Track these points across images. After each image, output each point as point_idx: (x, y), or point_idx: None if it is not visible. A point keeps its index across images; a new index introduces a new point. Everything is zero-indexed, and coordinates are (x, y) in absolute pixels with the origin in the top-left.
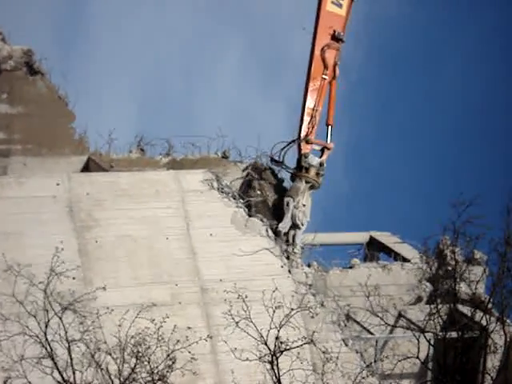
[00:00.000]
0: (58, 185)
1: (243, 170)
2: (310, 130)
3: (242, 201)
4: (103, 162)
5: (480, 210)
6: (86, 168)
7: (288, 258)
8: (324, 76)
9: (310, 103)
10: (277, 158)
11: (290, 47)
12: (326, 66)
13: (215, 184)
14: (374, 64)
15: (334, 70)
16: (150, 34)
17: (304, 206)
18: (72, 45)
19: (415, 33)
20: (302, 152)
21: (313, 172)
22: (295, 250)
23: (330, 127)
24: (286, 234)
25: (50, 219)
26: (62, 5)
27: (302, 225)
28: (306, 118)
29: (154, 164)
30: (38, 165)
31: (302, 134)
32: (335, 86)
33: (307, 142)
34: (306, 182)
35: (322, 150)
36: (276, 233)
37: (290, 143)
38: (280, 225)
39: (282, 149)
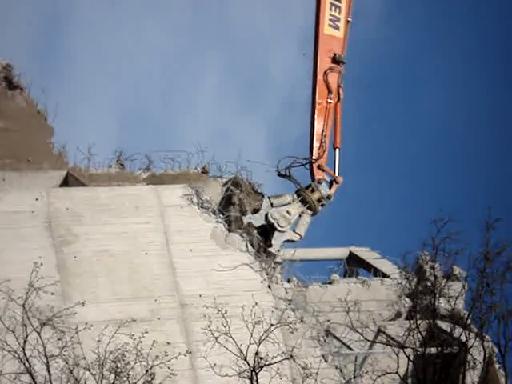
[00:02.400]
0: (36, 200)
1: (223, 186)
2: (321, 154)
3: (221, 216)
4: (82, 177)
5: (459, 225)
6: (65, 183)
7: (267, 273)
8: (329, 100)
9: (318, 128)
10: (283, 173)
11: (269, 68)
12: (330, 90)
13: (195, 199)
14: (353, 86)
15: (338, 93)
16: (130, 51)
17: (289, 213)
18: (52, 60)
19: (394, 56)
20: (316, 177)
21: (316, 196)
22: (269, 250)
23: (337, 150)
24: (260, 243)
25: (29, 234)
26: (41, 20)
27: (280, 226)
28: (316, 144)
29: (134, 179)
30: (17, 179)
31: (314, 159)
32: (340, 108)
33: (319, 168)
34: (303, 200)
35: (331, 182)
36: (247, 225)
37: (300, 162)
38: (249, 215)
39: (291, 164)
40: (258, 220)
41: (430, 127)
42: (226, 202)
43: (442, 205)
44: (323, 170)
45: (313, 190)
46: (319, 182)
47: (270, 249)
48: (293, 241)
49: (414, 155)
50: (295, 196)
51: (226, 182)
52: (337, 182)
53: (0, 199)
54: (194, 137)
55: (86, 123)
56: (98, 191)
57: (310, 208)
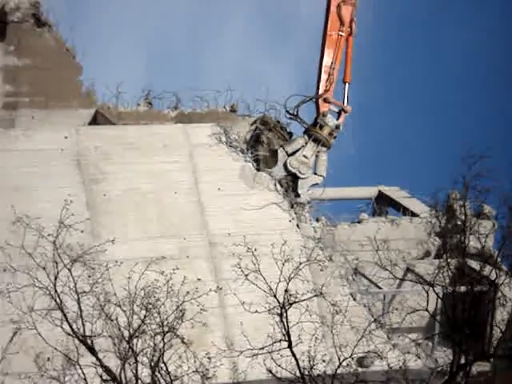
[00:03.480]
0: (66, 138)
1: (251, 124)
2: (328, 87)
3: (250, 155)
4: (111, 116)
5: (491, 163)
6: (94, 121)
7: (296, 212)
8: (340, 33)
9: (326, 61)
10: (291, 112)
11: (298, 7)
12: (342, 23)
13: (223, 138)
14: (384, 26)
15: (351, 27)
16: None
17: (306, 157)
18: None
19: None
20: (321, 110)
21: (326, 131)
22: (298, 200)
23: (347, 84)
24: (289, 182)
25: (58, 172)
26: None
27: (302, 173)
28: (324, 76)
29: (162, 117)
30: (46, 118)
31: (320, 92)
32: (352, 42)
33: (325, 101)
34: (316, 139)
35: (339, 112)
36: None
37: (307, 99)
38: (269, 170)
39: (298, 103)
40: (278, 172)
41: (461, 62)
42: (255, 140)
43: (473, 142)
44: (329, 103)
45: (321, 127)
46: (324, 115)
47: (299, 199)
48: (317, 184)
49: (444, 92)
50: (306, 137)
51: (255, 121)
52: (345, 112)
53: (29, 137)
54: (222, 77)
55: (115, 62)
56: (126, 130)
57: (323, 145)
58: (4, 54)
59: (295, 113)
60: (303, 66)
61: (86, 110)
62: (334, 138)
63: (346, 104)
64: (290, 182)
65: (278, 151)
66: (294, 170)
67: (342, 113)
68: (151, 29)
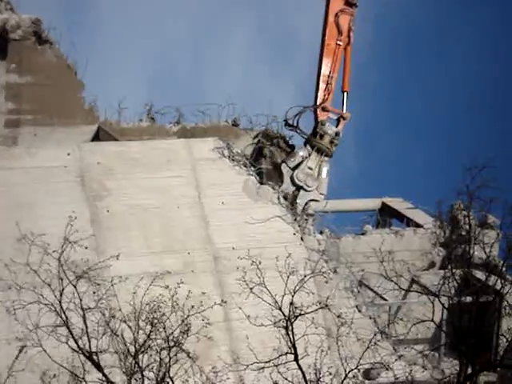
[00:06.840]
0: (68, 155)
1: (254, 138)
2: (326, 96)
3: (253, 168)
4: (113, 131)
5: (495, 172)
6: (97, 137)
7: (299, 225)
8: (338, 42)
9: (325, 70)
10: (291, 123)
11: (299, 26)
12: (340, 32)
13: (226, 152)
14: (384, 43)
15: (349, 36)
16: (160, 9)
17: (310, 169)
18: (80, 14)
19: (425, 10)
20: (319, 119)
21: (327, 140)
22: (296, 211)
23: (345, 93)
24: (293, 196)
25: (62, 189)
26: None
27: (309, 186)
28: (322, 85)
29: (165, 132)
30: (49, 135)
31: (318, 101)
32: (350, 51)
33: (324, 110)
34: (318, 150)
35: (338, 120)
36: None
37: (306, 108)
38: (279, 188)
39: (297, 114)
40: (287, 188)
41: (464, 74)
42: (257, 154)
43: (477, 152)
44: (328, 111)
45: (321, 136)
46: (322, 124)
47: (294, 208)
48: (317, 200)
49: (448, 102)
50: (309, 148)
51: (257, 135)
52: (344, 118)
53: (33, 155)
54: (223, 92)
55: (116, 78)
56: (129, 145)
57: (326, 154)
58: (6, 72)
59: (295, 123)
60: (303, 82)
61: (89, 127)
62: (335, 145)
63: (344, 111)
64: (294, 196)
65: (282, 167)
66: (301, 184)
67: (341, 120)
68: (153, 45)
